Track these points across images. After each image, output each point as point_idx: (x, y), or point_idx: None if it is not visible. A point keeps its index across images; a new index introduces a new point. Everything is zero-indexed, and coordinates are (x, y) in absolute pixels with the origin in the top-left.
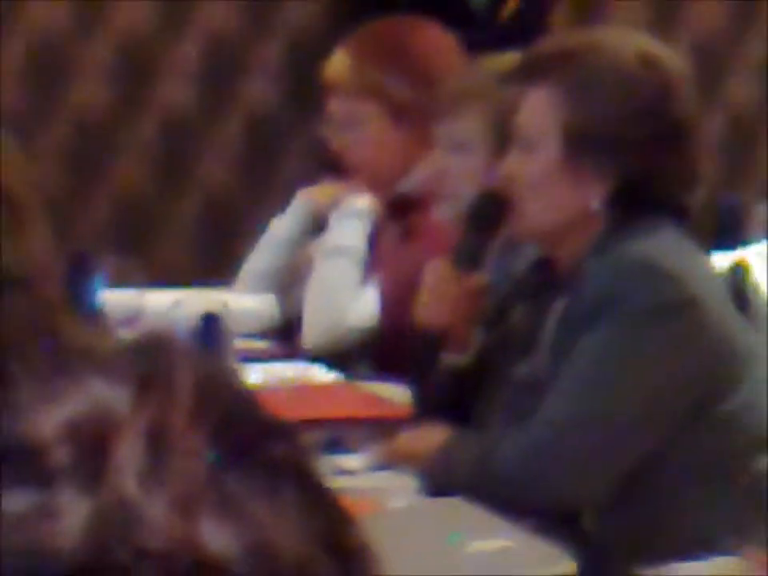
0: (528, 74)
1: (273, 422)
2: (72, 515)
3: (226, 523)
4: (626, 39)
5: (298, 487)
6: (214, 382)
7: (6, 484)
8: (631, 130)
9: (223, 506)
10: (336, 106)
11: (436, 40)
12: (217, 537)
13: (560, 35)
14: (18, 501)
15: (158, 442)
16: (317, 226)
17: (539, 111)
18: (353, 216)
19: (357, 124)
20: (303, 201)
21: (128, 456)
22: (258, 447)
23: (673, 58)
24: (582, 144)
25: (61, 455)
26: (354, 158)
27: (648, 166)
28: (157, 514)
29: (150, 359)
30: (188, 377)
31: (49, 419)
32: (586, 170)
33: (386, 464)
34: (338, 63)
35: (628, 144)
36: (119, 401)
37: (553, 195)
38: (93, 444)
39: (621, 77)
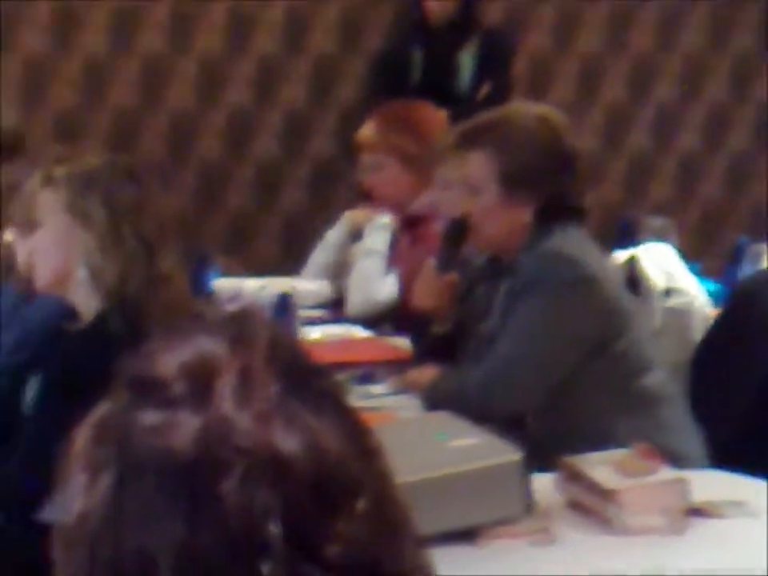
0: (467, 141)
1: (317, 365)
2: (188, 427)
3: (292, 431)
4: (529, 109)
5: (335, 408)
6: (280, 339)
7: (141, 406)
8: (540, 167)
9: (289, 419)
10: (366, 159)
11: (431, 114)
12: (286, 440)
13: (485, 112)
14: (150, 417)
15: (245, 378)
16: (356, 235)
17: (479, 166)
18: (379, 229)
19: (379, 170)
20: (347, 218)
21: (226, 387)
22: (309, 381)
23: (560, 116)
24: (512, 183)
25: (178, 387)
26: (379, 193)
27: (556, 187)
28: (246, 425)
29: (239, 324)
30: (263, 336)
31: (169, 362)
32: (519, 199)
33: (399, 390)
34: (367, 130)
35: (540, 176)
36: (219, 350)
37: (496, 219)
38: (201, 379)
39: (528, 135)
